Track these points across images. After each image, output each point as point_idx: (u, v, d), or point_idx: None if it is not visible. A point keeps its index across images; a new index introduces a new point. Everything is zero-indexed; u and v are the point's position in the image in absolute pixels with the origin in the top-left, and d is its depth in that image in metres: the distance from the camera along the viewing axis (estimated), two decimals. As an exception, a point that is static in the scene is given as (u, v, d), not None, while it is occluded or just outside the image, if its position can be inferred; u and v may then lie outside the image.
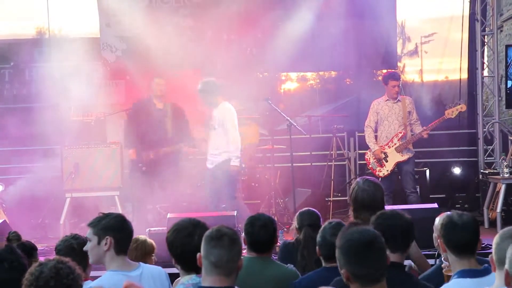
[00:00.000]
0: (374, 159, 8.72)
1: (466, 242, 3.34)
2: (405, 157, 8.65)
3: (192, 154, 9.53)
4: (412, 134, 8.69)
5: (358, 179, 5.18)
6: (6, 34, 14.16)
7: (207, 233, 3.33)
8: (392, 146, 8.68)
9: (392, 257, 3.40)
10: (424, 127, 8.57)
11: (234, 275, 3.29)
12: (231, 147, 8.17)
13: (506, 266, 2.64)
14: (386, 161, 8.69)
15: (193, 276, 3.60)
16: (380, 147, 8.71)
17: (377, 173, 8.68)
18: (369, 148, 8.82)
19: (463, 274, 3.30)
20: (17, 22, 14.78)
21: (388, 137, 8.73)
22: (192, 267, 3.61)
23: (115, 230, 3.87)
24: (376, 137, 8.89)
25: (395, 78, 8.72)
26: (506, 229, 3.06)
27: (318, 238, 3.97)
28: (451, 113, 8.54)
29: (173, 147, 8.61)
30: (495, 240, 3.02)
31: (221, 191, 8.19)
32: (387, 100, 8.74)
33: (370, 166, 8.83)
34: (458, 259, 3.38)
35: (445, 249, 3.44)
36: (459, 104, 8.60)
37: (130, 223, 3.95)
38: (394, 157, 8.67)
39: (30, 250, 4.40)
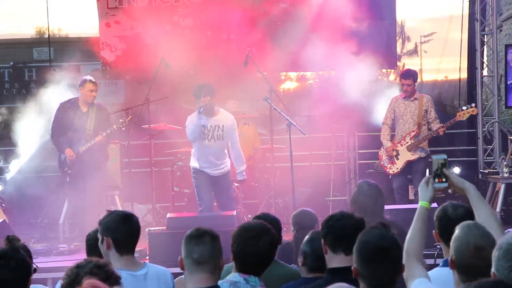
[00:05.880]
0: (386, 155, 8.76)
1: None
2: (415, 156, 8.64)
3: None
4: (428, 132, 8.68)
5: (360, 181, 5.20)
6: (5, 33, 14.15)
7: (186, 233, 3.36)
8: (404, 144, 8.68)
9: (346, 260, 3.37)
10: (441, 125, 8.56)
11: (217, 273, 3.32)
12: (241, 160, 8.19)
13: (493, 270, 2.68)
14: (397, 159, 8.72)
15: (236, 274, 3.59)
16: (392, 145, 8.73)
17: (387, 170, 8.73)
18: (383, 144, 8.85)
19: (447, 263, 3.35)
20: (17, 22, 14.77)
21: (402, 135, 8.74)
22: (246, 268, 3.60)
23: (113, 230, 3.85)
24: (393, 135, 8.91)
25: (403, 77, 8.78)
26: (460, 239, 3.01)
27: (306, 247, 3.91)
28: (462, 115, 8.55)
29: (90, 142, 8.28)
30: (454, 246, 3.02)
31: (222, 199, 8.18)
32: (405, 97, 8.75)
33: (381, 163, 8.89)
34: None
35: (439, 239, 3.53)
36: (471, 107, 8.62)
37: (133, 222, 3.91)
38: (405, 156, 8.68)
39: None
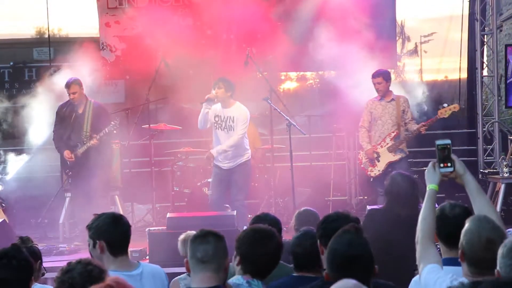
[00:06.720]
0: (366, 158, 8.60)
1: (455, 234, 3.32)
2: (397, 157, 8.47)
3: (194, 154, 9.53)
4: (406, 134, 8.56)
5: (393, 173, 5.23)
6: (6, 33, 14.18)
7: (192, 235, 3.38)
8: (385, 145, 8.51)
9: None
10: (423, 123, 8.43)
11: (222, 273, 3.29)
12: (224, 146, 7.97)
13: (498, 267, 2.70)
14: (378, 161, 8.54)
15: (239, 277, 3.59)
16: (372, 147, 8.56)
17: (368, 173, 8.58)
18: (362, 147, 8.73)
19: (446, 262, 3.36)
20: (17, 22, 14.80)
21: (381, 136, 8.53)
22: (253, 270, 3.60)
23: (105, 233, 3.82)
24: (370, 137, 8.76)
25: (372, 76, 8.54)
26: (471, 232, 3.00)
27: (291, 246, 3.95)
28: (444, 112, 8.38)
29: (86, 144, 8.33)
30: (465, 239, 3.02)
31: (231, 192, 8.16)
32: (381, 99, 8.58)
33: (362, 165, 8.72)
34: (447, 250, 3.46)
35: (437, 239, 3.51)
36: (453, 104, 8.51)
37: (124, 222, 3.89)
38: (386, 157, 8.52)
39: (36, 256, 4.18)
